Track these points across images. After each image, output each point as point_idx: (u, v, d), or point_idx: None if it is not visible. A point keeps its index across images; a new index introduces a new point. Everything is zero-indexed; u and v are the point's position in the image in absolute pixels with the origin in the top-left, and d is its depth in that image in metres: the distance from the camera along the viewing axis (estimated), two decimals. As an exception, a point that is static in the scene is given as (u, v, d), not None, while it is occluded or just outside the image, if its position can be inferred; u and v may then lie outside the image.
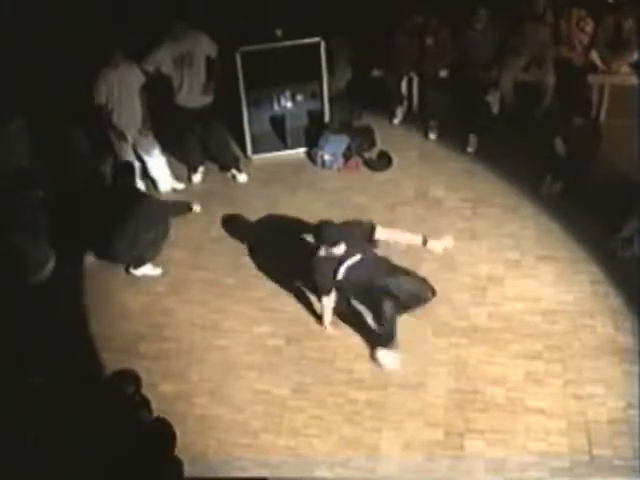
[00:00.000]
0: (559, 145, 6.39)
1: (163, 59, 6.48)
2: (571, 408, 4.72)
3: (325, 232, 5.02)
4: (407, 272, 5.12)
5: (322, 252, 5.07)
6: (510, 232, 6.17)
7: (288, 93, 7.38)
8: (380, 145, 7.33)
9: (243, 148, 7.37)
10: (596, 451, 4.46)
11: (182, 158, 7.18)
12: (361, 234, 5.15)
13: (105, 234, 5.80)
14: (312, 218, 6.40)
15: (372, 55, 7.67)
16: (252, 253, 6.17)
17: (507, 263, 5.86)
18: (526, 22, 7.29)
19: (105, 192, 6.30)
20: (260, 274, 5.93)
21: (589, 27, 7.30)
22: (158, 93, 6.64)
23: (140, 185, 6.86)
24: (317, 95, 7.32)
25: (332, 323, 5.35)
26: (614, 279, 5.58)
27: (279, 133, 7.47)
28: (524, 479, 4.39)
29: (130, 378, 4.39)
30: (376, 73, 7.74)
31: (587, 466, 4.39)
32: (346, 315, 5.41)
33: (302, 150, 7.38)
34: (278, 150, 7.39)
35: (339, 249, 5.01)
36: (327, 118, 7.37)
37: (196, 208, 6.23)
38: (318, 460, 4.56)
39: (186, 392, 5.03)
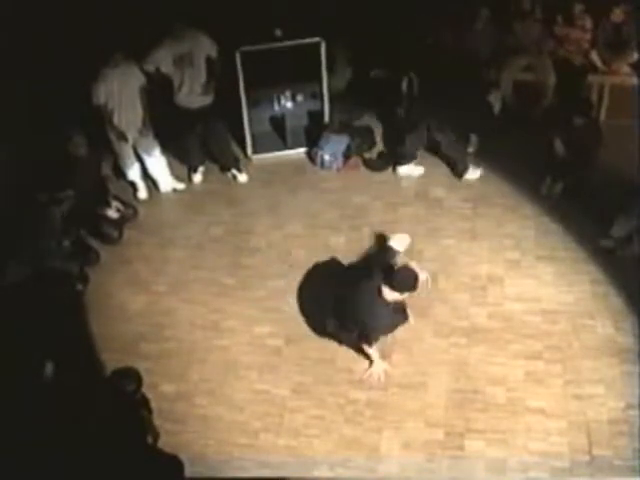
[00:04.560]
0: (558, 146, 6.40)
1: (163, 59, 6.47)
2: (571, 408, 4.72)
3: (407, 280, 4.72)
4: None
5: (389, 296, 4.75)
6: (510, 232, 6.17)
7: (288, 93, 7.39)
8: (380, 145, 7.33)
9: (243, 148, 7.37)
10: (596, 451, 4.46)
11: (182, 158, 7.18)
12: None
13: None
14: (312, 218, 6.46)
15: (372, 55, 7.68)
16: (252, 253, 6.18)
17: (507, 263, 5.86)
18: (515, 20, 7.30)
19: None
20: (260, 274, 5.93)
21: (588, 23, 7.31)
22: (158, 93, 6.64)
23: (141, 185, 6.89)
24: (317, 95, 7.32)
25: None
26: (614, 279, 5.59)
27: (279, 133, 7.47)
28: (524, 479, 4.39)
29: (131, 376, 4.39)
30: (376, 73, 7.75)
31: (587, 466, 4.40)
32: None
33: (302, 150, 7.38)
34: (278, 150, 7.39)
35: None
36: (327, 118, 7.36)
37: None
38: (318, 460, 4.56)
39: (186, 392, 5.03)
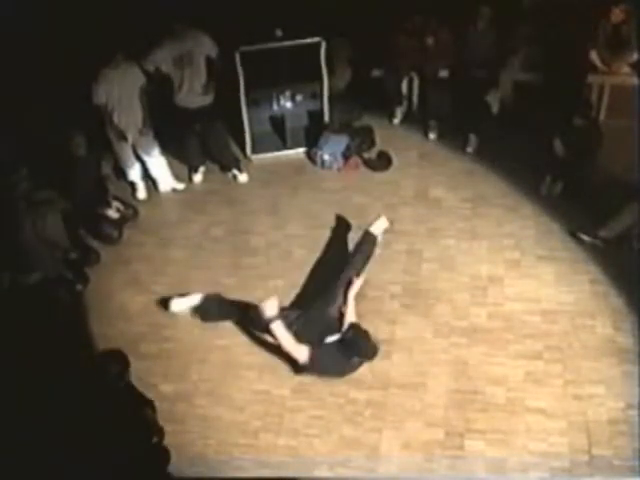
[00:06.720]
0: (558, 146, 6.41)
1: (163, 59, 6.47)
2: (571, 408, 4.72)
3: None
4: None
5: None
6: (510, 232, 6.17)
7: (288, 93, 7.38)
8: (380, 145, 7.33)
9: (243, 148, 7.37)
10: (596, 451, 4.46)
11: (182, 158, 7.18)
12: None
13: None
14: (312, 218, 6.46)
15: (372, 55, 7.67)
16: (252, 253, 6.17)
17: (507, 263, 5.87)
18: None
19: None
20: (260, 274, 5.93)
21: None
22: (158, 93, 6.64)
23: (141, 185, 6.89)
24: (317, 95, 7.32)
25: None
26: (614, 279, 5.59)
27: (279, 133, 7.47)
28: (524, 479, 4.39)
29: (115, 358, 4.35)
30: (376, 73, 7.74)
31: (587, 466, 4.40)
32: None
33: (302, 150, 7.38)
34: (278, 150, 7.40)
35: None
36: (327, 118, 7.37)
37: None
38: (318, 460, 4.56)
39: (186, 392, 5.03)
